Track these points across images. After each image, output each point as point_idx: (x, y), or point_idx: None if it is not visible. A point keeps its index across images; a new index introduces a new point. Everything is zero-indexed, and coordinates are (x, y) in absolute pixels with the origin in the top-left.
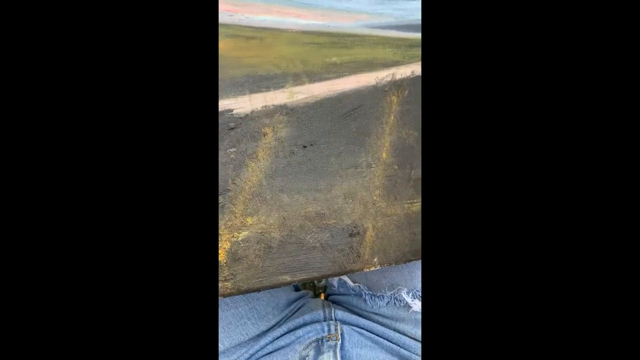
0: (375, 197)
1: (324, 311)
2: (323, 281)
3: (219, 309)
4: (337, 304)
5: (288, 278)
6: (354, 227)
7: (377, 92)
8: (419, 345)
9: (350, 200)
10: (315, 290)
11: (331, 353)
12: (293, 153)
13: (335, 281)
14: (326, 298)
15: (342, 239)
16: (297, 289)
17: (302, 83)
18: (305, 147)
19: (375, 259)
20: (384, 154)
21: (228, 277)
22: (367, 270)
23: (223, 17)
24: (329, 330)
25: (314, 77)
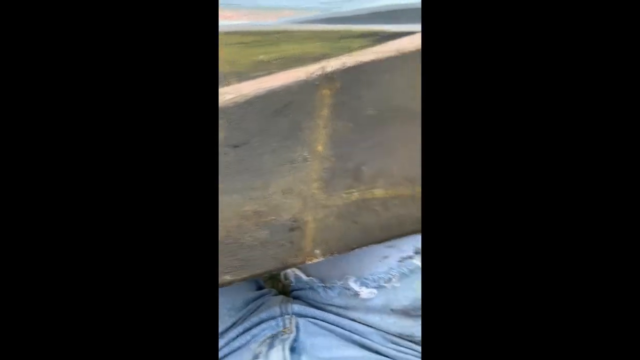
0: (313, 190)
1: (280, 307)
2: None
3: None
4: (297, 298)
5: (229, 277)
6: (294, 221)
7: (308, 87)
8: (371, 330)
9: (289, 196)
10: (284, 288)
11: (281, 346)
12: (225, 154)
13: (292, 277)
14: (289, 294)
15: (281, 234)
16: (259, 288)
17: (230, 83)
18: (237, 147)
19: (317, 251)
20: (319, 147)
21: None
22: (310, 262)
23: None
24: (284, 324)
25: (242, 76)
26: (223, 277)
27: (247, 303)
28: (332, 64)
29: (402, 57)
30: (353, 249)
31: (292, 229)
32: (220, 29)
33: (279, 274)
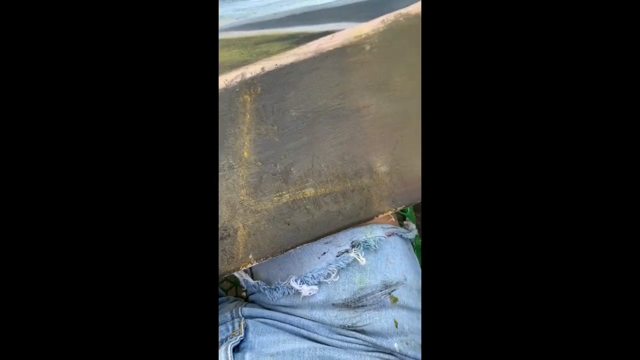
0: (242, 197)
1: (232, 311)
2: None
3: None
4: (251, 302)
5: None
6: (224, 229)
7: (228, 94)
8: (317, 324)
9: (220, 204)
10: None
11: (223, 348)
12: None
13: (242, 281)
14: (247, 299)
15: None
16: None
17: None
18: None
19: (250, 256)
20: (245, 153)
21: None
22: (244, 268)
23: None
24: (233, 328)
25: None
26: None
27: None
28: (251, 70)
29: (321, 57)
30: (288, 250)
31: (222, 238)
32: None
33: (239, 280)
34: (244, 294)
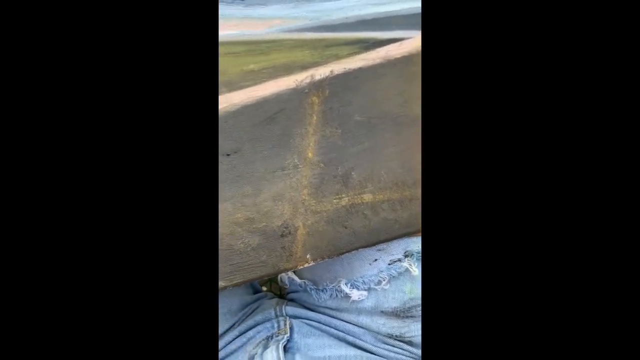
0: (303, 196)
1: (275, 309)
2: (281, 281)
3: None
4: (292, 301)
5: (223, 283)
6: (285, 227)
7: (297, 95)
8: (363, 330)
9: (279, 202)
10: (281, 291)
11: (275, 347)
12: (220, 162)
13: (286, 280)
14: (284, 297)
15: (273, 240)
16: (256, 291)
17: (222, 93)
18: (229, 155)
19: (308, 256)
20: (309, 154)
21: None
22: (301, 267)
23: None
24: (279, 326)
25: (233, 86)
26: (218, 283)
27: (244, 306)
28: (321, 72)
29: (389, 64)
30: (343, 253)
31: (283, 235)
32: None
33: (276, 278)
34: (278, 292)
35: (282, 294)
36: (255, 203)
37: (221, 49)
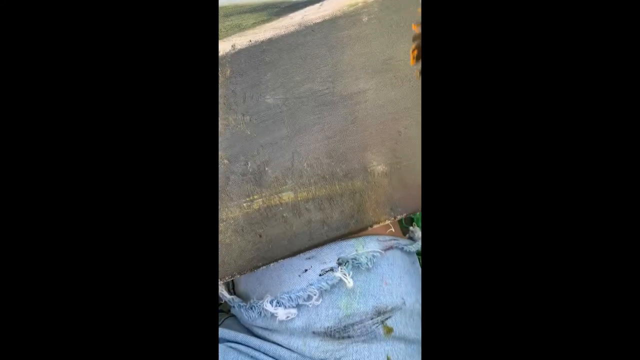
0: None
1: None
2: None
3: None
4: (232, 316)
5: None
6: None
7: None
8: (295, 355)
9: None
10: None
11: None
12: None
13: (220, 296)
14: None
15: None
16: None
17: None
18: None
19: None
20: None
21: None
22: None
23: None
24: None
25: None
26: None
27: None
28: (220, 48)
29: (306, 31)
30: (258, 267)
31: None
32: None
33: None
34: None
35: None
36: None
37: None
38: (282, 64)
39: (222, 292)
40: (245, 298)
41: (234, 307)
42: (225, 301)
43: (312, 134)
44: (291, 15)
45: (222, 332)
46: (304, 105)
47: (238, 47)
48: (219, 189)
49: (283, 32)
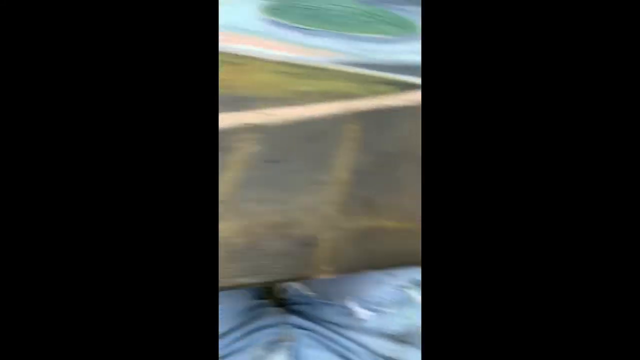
0: (332, 212)
1: (279, 317)
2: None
3: None
4: (295, 311)
5: (245, 281)
6: (311, 238)
7: (339, 120)
8: (363, 350)
9: (309, 213)
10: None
11: (283, 353)
12: (260, 167)
13: (292, 290)
14: (284, 306)
15: (297, 248)
16: (258, 297)
17: (276, 107)
18: (271, 162)
19: (328, 269)
20: (342, 174)
21: None
22: (318, 278)
23: None
24: (283, 333)
25: (286, 102)
26: (238, 280)
27: (248, 310)
28: (362, 104)
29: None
30: (358, 271)
31: (307, 244)
32: (270, 58)
33: (275, 290)
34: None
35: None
36: (287, 210)
37: (279, 68)
38: (400, 126)
39: (301, 287)
40: (321, 297)
41: (305, 302)
42: (292, 296)
43: (412, 182)
44: (411, 93)
45: (298, 320)
46: (410, 159)
47: (374, 106)
48: (343, 204)
49: (403, 104)
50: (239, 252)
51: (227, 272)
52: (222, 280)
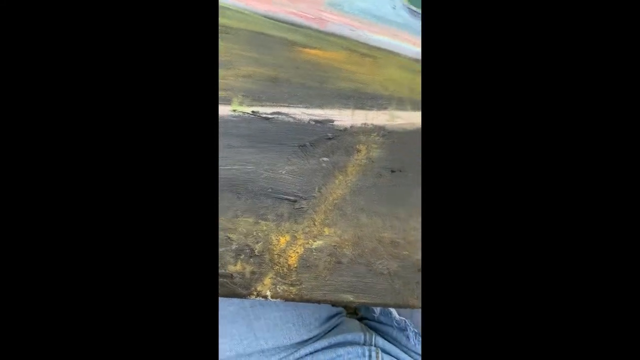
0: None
1: (365, 335)
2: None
3: (270, 309)
4: (375, 330)
5: (350, 298)
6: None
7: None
8: None
9: None
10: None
11: None
12: (380, 175)
13: (378, 308)
14: (361, 320)
15: (410, 272)
16: (333, 305)
17: (404, 109)
18: (393, 171)
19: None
20: None
21: (295, 282)
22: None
23: (344, 29)
24: (370, 355)
25: (417, 105)
26: (345, 296)
27: (330, 318)
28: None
29: None
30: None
31: (419, 270)
32: (408, 54)
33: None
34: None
35: (357, 315)
36: (404, 228)
37: (416, 66)
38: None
39: (393, 311)
40: (413, 325)
41: (396, 327)
42: (383, 320)
43: None
44: None
45: (384, 343)
46: None
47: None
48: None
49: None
50: (346, 264)
51: (332, 284)
52: (326, 292)
